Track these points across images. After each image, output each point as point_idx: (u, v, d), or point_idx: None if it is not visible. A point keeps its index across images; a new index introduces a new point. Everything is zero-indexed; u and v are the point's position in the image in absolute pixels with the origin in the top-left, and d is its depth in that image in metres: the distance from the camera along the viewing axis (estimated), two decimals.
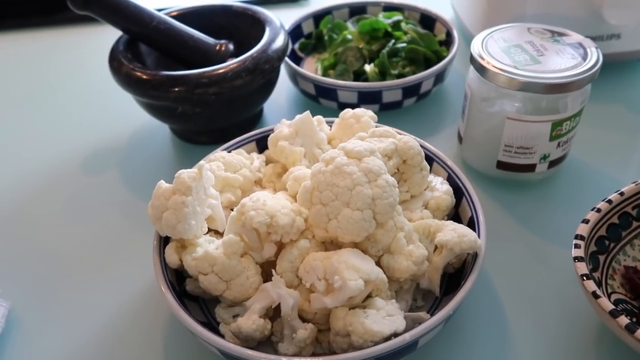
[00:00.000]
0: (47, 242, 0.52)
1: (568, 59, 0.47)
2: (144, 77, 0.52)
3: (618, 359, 0.39)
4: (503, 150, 0.50)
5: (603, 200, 0.42)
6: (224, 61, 0.56)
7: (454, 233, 0.38)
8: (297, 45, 0.71)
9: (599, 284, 0.39)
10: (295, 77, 0.63)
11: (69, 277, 0.48)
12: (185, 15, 0.62)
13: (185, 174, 0.39)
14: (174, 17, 0.61)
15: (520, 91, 0.46)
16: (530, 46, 0.49)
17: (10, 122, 0.68)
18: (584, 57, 0.47)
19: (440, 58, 0.64)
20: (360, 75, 0.64)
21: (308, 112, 0.47)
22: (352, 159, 0.38)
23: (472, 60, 0.49)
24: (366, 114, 0.48)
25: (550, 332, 0.41)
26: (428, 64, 0.64)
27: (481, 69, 0.48)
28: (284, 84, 0.67)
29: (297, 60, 0.70)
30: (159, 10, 0.58)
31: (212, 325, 0.40)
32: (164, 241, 0.41)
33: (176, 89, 0.51)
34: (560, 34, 0.51)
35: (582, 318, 0.42)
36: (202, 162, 0.40)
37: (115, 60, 0.55)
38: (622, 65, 0.67)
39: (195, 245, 0.39)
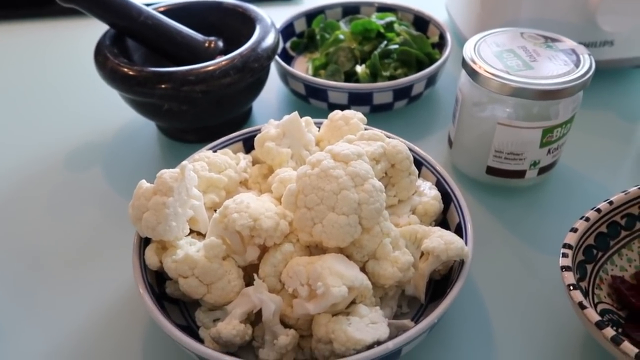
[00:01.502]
0: (27, 239, 0.50)
1: (560, 66, 0.46)
2: (130, 73, 0.51)
3: None
4: (493, 156, 0.49)
5: (592, 209, 0.41)
6: (213, 58, 0.55)
7: (440, 240, 0.37)
8: (288, 44, 0.71)
9: (585, 294, 0.39)
10: (285, 76, 0.62)
11: (48, 275, 0.47)
12: (174, 11, 0.61)
13: (167, 174, 0.38)
14: (162, 12, 0.60)
15: (512, 97, 0.45)
16: (523, 51, 0.48)
17: None
18: (577, 64, 0.47)
19: (432, 61, 0.63)
20: (351, 76, 0.63)
21: (296, 112, 0.46)
22: (338, 162, 0.37)
23: (464, 64, 0.48)
24: (355, 116, 0.47)
25: (536, 341, 0.41)
26: (420, 66, 0.63)
27: (473, 74, 0.47)
28: (274, 83, 0.66)
29: (289, 59, 0.69)
30: (147, 5, 0.56)
31: (192, 329, 0.39)
32: (145, 242, 0.40)
33: (162, 86, 0.50)
34: (554, 40, 0.50)
35: (569, 327, 0.41)
36: (185, 162, 0.39)
37: (100, 55, 0.54)
38: (614, 72, 0.67)
39: (175, 247, 0.38)
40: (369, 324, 0.34)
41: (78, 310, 0.44)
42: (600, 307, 0.39)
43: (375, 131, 0.44)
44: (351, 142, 0.42)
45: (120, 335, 0.42)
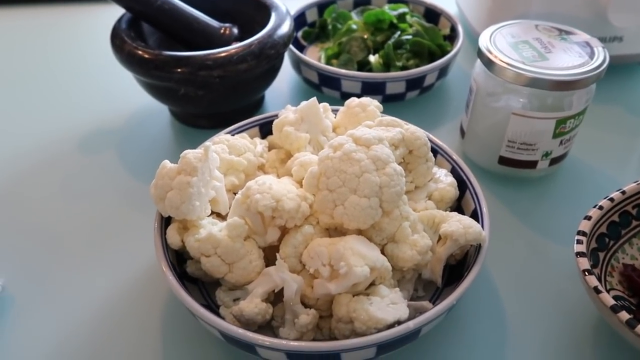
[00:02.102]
0: (44, 221, 0.51)
1: (575, 57, 0.47)
2: (147, 56, 0.51)
3: (615, 354, 0.39)
4: (506, 146, 0.50)
5: (605, 198, 0.42)
6: (228, 45, 0.55)
7: (459, 224, 0.38)
8: (300, 34, 0.71)
9: (598, 280, 0.40)
10: (298, 64, 0.62)
11: (65, 256, 0.47)
12: None
13: (191, 154, 0.38)
14: None
15: (527, 87, 0.46)
16: (538, 43, 0.49)
17: (7, 100, 0.67)
18: (591, 56, 0.47)
19: (444, 52, 0.64)
20: (363, 66, 0.63)
21: (314, 98, 0.46)
22: (360, 146, 0.38)
23: (480, 54, 0.49)
24: (372, 103, 0.48)
25: (547, 327, 0.41)
26: (432, 57, 0.64)
27: (489, 63, 0.48)
28: (286, 72, 0.66)
29: (300, 48, 0.70)
30: None
31: (212, 308, 0.39)
32: (166, 222, 0.40)
33: (179, 70, 0.51)
34: (568, 32, 0.51)
35: (579, 314, 0.42)
36: (207, 142, 0.39)
37: (117, 38, 0.54)
38: (623, 68, 0.67)
39: (198, 227, 0.38)
40: (390, 304, 0.35)
41: (94, 291, 0.44)
42: (612, 293, 0.40)
43: (393, 118, 0.44)
44: (370, 127, 0.43)
45: (140, 315, 0.42)
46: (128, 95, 0.64)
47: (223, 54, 0.51)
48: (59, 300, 0.44)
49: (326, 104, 0.49)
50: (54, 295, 0.44)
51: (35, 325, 0.42)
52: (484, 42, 0.49)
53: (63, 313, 0.43)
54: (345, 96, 0.57)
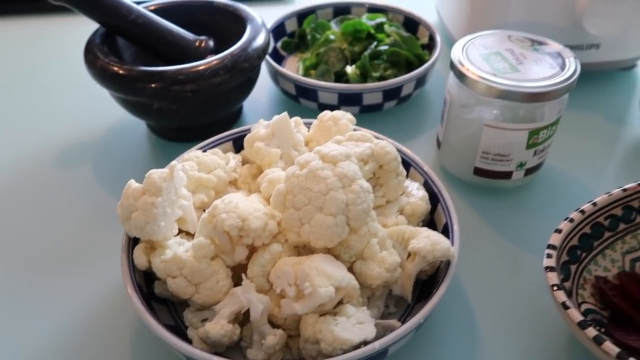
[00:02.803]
0: (13, 237, 0.50)
1: (546, 68, 0.47)
2: (120, 72, 0.51)
3: None
4: (480, 157, 0.50)
5: (576, 210, 0.42)
6: (204, 57, 0.55)
7: (427, 240, 0.38)
8: (279, 44, 0.71)
9: (569, 294, 0.40)
10: (276, 76, 0.62)
11: (34, 274, 0.47)
12: (165, 10, 0.61)
13: (155, 174, 0.38)
14: (153, 11, 0.60)
15: (499, 99, 0.46)
16: (510, 54, 0.49)
17: None
18: (562, 67, 0.47)
19: (422, 62, 0.64)
20: (341, 77, 0.63)
21: (285, 113, 0.46)
22: (327, 163, 0.38)
23: (452, 66, 0.49)
24: (345, 116, 0.48)
25: (521, 341, 0.41)
26: (410, 67, 0.63)
27: (461, 76, 0.48)
28: (265, 82, 0.66)
29: (280, 58, 0.70)
30: (138, 3, 0.56)
31: (181, 329, 0.39)
32: (134, 241, 0.40)
33: (152, 85, 0.50)
34: (540, 43, 0.51)
35: (554, 326, 0.42)
36: (174, 162, 0.39)
37: (90, 54, 0.54)
38: (600, 75, 0.68)
39: (164, 247, 0.38)
40: (356, 324, 0.35)
41: (65, 309, 0.44)
42: (584, 307, 0.40)
43: (364, 132, 0.44)
44: (340, 142, 0.43)
45: (108, 336, 0.42)
46: (104, 109, 0.64)
47: (195, 69, 0.51)
48: (28, 322, 0.43)
49: (298, 118, 0.48)
50: (23, 316, 0.44)
51: (3, 348, 0.41)
52: (456, 54, 0.49)
53: (32, 335, 0.42)
54: (323, 107, 0.57)
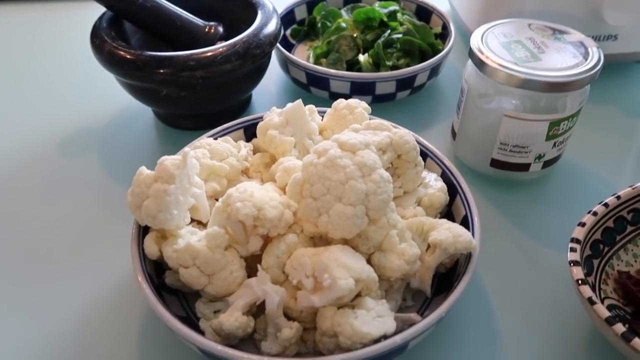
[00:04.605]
0: (19, 228, 0.49)
1: (569, 58, 0.46)
2: (128, 56, 0.50)
3: None
4: (498, 148, 0.49)
5: (600, 204, 0.41)
6: (213, 44, 0.54)
7: (448, 232, 0.37)
8: (289, 32, 0.69)
9: (592, 289, 0.38)
10: (286, 64, 0.61)
11: (40, 265, 0.45)
12: None
13: (168, 160, 0.36)
14: None
15: (519, 88, 0.45)
16: (531, 42, 0.48)
17: None
18: (585, 57, 0.46)
19: (435, 51, 0.62)
20: (353, 66, 0.62)
21: (300, 100, 0.45)
22: (346, 151, 0.36)
23: (471, 54, 0.48)
24: (360, 105, 0.46)
25: (540, 336, 0.40)
26: (423, 56, 0.62)
27: (480, 64, 0.46)
28: (274, 71, 0.65)
29: (289, 47, 0.68)
30: None
31: (192, 321, 0.38)
32: (144, 230, 0.39)
33: (161, 71, 0.49)
34: (562, 32, 0.50)
35: (574, 321, 0.41)
36: (186, 148, 0.38)
37: (97, 38, 0.52)
38: (617, 67, 0.66)
39: (176, 237, 0.37)
40: (376, 317, 0.34)
41: (73, 301, 0.43)
42: (606, 302, 0.39)
43: (381, 121, 0.43)
44: (357, 131, 0.42)
45: (117, 327, 0.41)
46: (110, 96, 0.62)
47: (206, 54, 0.50)
48: (31, 312, 0.42)
49: (312, 106, 0.47)
50: (27, 306, 0.42)
51: (4, 340, 0.40)
52: (475, 42, 0.48)
53: (35, 326, 0.41)
54: (334, 96, 0.56)
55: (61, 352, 0.39)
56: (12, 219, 0.50)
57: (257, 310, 0.37)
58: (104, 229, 0.48)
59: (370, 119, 0.44)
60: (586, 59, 0.46)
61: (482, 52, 0.46)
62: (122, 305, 0.42)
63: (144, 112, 0.61)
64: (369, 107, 0.47)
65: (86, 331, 0.40)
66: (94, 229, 0.48)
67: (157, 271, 0.39)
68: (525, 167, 0.49)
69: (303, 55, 0.67)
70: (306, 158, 0.37)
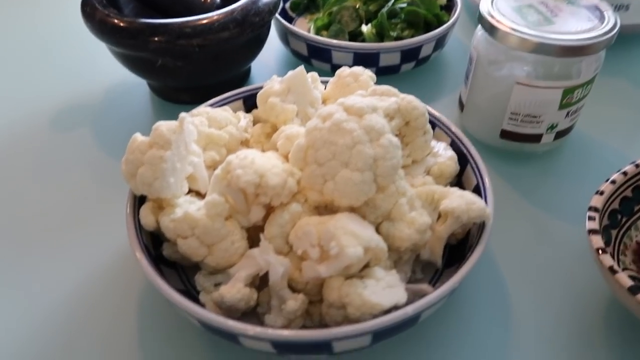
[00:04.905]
0: (12, 202, 0.47)
1: (584, 21, 0.44)
2: (121, 24, 0.47)
3: (627, 336, 0.37)
4: (508, 119, 0.47)
5: (618, 172, 0.39)
6: None
7: (461, 200, 0.35)
8: (288, 4, 0.67)
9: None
10: (286, 35, 0.58)
11: (34, 240, 0.43)
12: None
13: (164, 126, 0.34)
14: None
15: (532, 53, 0.43)
16: (543, 7, 0.46)
17: None
18: (601, 20, 0.44)
19: (440, 23, 0.60)
20: (355, 37, 0.59)
21: (302, 67, 0.43)
22: (352, 115, 0.34)
23: (481, 19, 0.45)
24: (365, 72, 0.44)
25: (554, 309, 0.38)
26: (428, 28, 0.60)
27: (491, 29, 0.44)
28: (273, 44, 0.62)
29: (288, 20, 0.66)
30: None
31: (192, 295, 0.36)
32: (139, 201, 0.37)
33: (156, 39, 0.47)
34: None
35: (589, 294, 0.39)
36: (183, 114, 0.36)
37: (88, 6, 0.50)
38: (628, 39, 0.64)
39: (174, 206, 0.35)
40: (386, 288, 0.32)
41: (68, 276, 0.41)
42: (625, 274, 0.37)
43: (388, 87, 0.41)
44: (363, 97, 0.39)
45: (114, 302, 0.39)
46: (104, 69, 0.60)
47: (203, 21, 0.47)
48: (26, 288, 0.40)
49: (315, 74, 0.45)
50: (22, 282, 0.40)
51: (8, 315, 0.38)
52: (485, 6, 0.46)
53: (31, 302, 0.39)
54: (336, 69, 0.53)
55: (60, 326, 0.37)
56: (3, 194, 0.47)
57: (260, 283, 0.35)
58: (98, 205, 0.46)
59: None
60: (602, 23, 0.43)
61: (492, 17, 0.44)
62: (119, 281, 0.40)
63: (139, 86, 0.59)
64: (374, 76, 0.45)
65: (82, 307, 0.39)
66: (88, 204, 0.46)
67: (154, 244, 0.37)
68: (536, 138, 0.48)
69: (303, 28, 0.64)
70: (310, 123, 0.35)
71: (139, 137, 0.35)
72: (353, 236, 0.31)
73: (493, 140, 0.49)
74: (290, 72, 0.43)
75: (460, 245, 0.39)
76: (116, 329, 0.37)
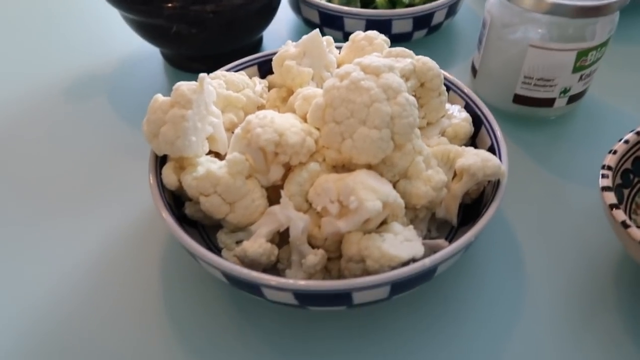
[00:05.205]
0: (32, 168, 0.48)
1: None
2: None
3: (637, 292, 0.37)
4: (522, 83, 0.47)
5: (631, 132, 0.39)
6: None
7: (477, 157, 0.35)
8: None
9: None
10: (297, 4, 0.58)
11: (56, 204, 0.45)
12: None
13: (184, 85, 0.35)
14: None
15: (547, 14, 0.43)
16: None
17: None
18: None
19: None
20: (367, 5, 0.59)
21: (317, 30, 0.43)
22: (369, 74, 0.35)
23: None
24: (379, 36, 0.44)
25: (567, 269, 0.39)
26: None
27: None
28: (284, 14, 0.62)
29: None
30: None
31: (213, 252, 0.37)
32: (161, 162, 0.38)
33: (170, 5, 0.47)
34: None
35: (602, 254, 0.40)
36: (202, 74, 0.36)
37: None
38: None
39: (195, 165, 0.35)
40: (404, 241, 0.33)
41: (89, 238, 0.42)
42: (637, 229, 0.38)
43: (403, 49, 0.41)
44: None
45: (137, 260, 0.40)
46: (117, 39, 0.61)
47: None
48: (50, 248, 0.41)
49: (330, 38, 0.45)
50: (46, 241, 0.42)
51: (27, 272, 0.39)
52: None
53: (55, 260, 0.40)
54: (348, 36, 0.54)
55: (84, 283, 0.39)
56: (22, 161, 0.48)
57: (280, 240, 0.36)
58: (116, 170, 0.47)
59: None
60: None
61: None
62: (141, 241, 0.41)
63: (153, 56, 0.59)
64: (388, 40, 0.45)
65: (107, 265, 0.40)
66: (107, 170, 0.47)
67: (175, 204, 0.38)
68: (549, 102, 0.48)
69: None
70: (327, 82, 0.35)
71: (160, 97, 0.36)
72: (372, 191, 0.32)
73: (506, 105, 0.49)
74: (305, 36, 0.43)
75: (474, 205, 0.39)
76: (140, 287, 0.38)
